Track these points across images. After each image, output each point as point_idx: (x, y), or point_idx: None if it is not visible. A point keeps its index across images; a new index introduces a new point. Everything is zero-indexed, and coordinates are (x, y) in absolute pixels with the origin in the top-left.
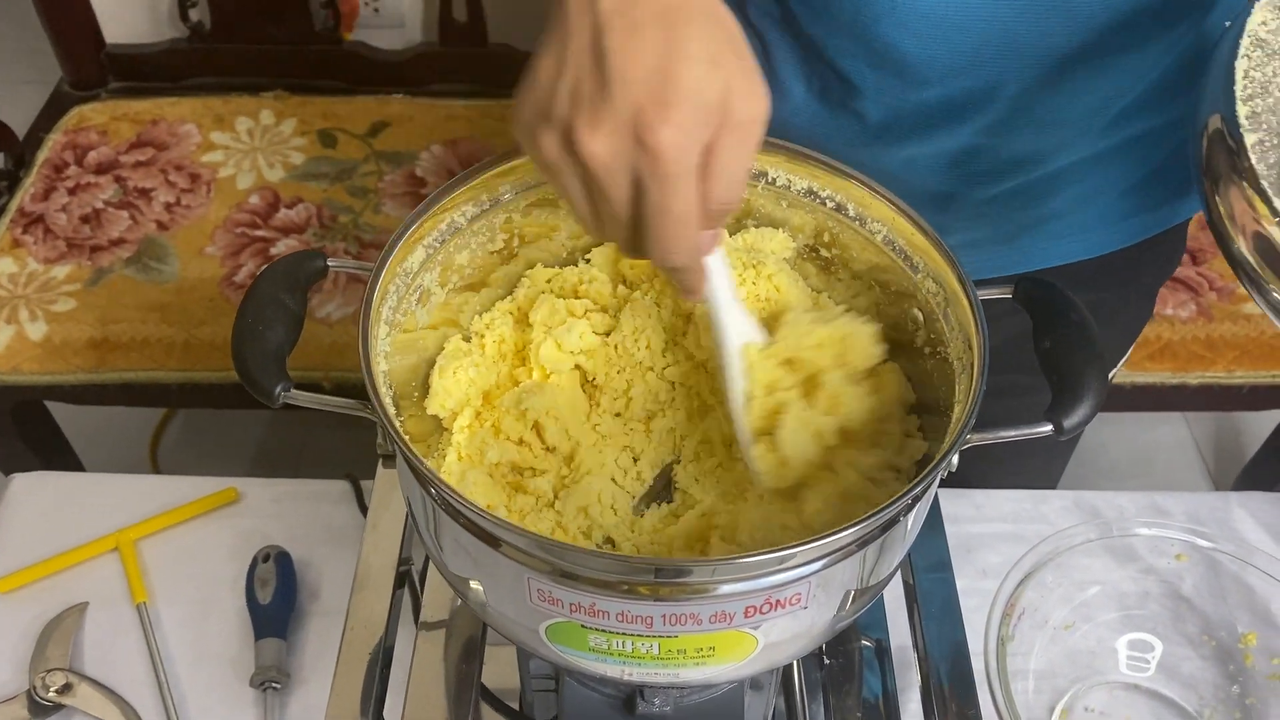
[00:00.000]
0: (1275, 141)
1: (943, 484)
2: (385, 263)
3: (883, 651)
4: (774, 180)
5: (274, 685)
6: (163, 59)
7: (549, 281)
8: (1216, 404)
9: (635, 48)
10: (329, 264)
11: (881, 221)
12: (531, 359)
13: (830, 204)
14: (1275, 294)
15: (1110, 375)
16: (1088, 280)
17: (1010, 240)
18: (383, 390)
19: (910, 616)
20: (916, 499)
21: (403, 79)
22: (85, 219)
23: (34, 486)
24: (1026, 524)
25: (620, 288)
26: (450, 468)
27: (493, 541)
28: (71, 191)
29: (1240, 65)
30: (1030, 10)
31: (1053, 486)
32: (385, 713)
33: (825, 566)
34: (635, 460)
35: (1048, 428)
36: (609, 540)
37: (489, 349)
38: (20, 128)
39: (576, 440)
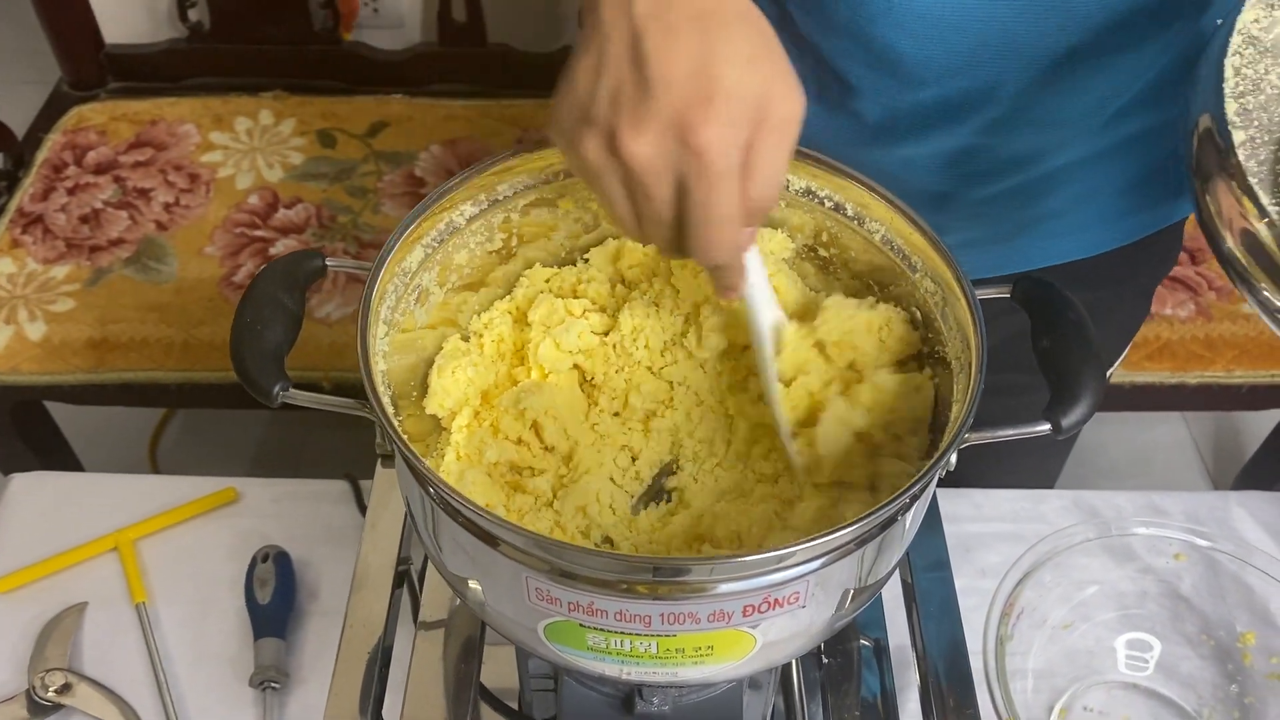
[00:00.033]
0: (1266, 138)
1: (940, 483)
2: (384, 262)
3: (881, 651)
4: None
5: (273, 685)
6: (162, 59)
7: (547, 281)
8: (1215, 403)
9: (675, 50)
10: (327, 264)
11: (880, 221)
12: (530, 358)
13: (829, 204)
14: (1265, 293)
15: (1107, 374)
16: (1085, 279)
17: (1007, 240)
18: (381, 390)
19: (909, 616)
20: (914, 498)
21: (402, 79)
22: (84, 219)
23: (33, 486)
24: (1025, 523)
25: (619, 287)
26: (449, 467)
27: (491, 541)
28: (71, 192)
29: (1231, 63)
30: (1027, 10)
31: (1050, 485)
32: (384, 712)
33: (823, 565)
34: (633, 460)
35: (1046, 427)
36: (607, 539)
37: (487, 348)
38: (19, 128)
39: (575, 440)
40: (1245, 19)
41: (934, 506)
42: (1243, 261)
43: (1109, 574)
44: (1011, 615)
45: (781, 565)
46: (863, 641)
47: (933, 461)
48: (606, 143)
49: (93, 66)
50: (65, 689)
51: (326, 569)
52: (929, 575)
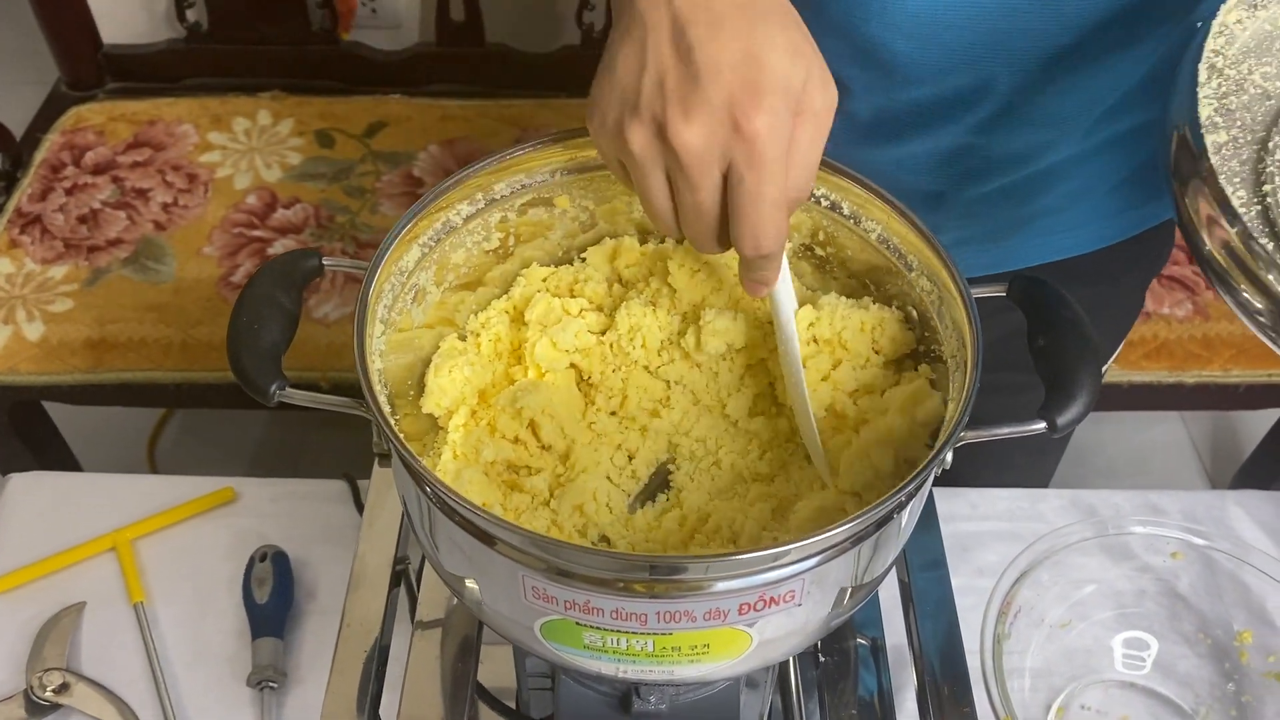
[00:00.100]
0: (1249, 138)
1: (936, 482)
2: (380, 261)
3: (878, 650)
4: None
5: (271, 684)
6: (160, 59)
7: (545, 280)
8: (1213, 403)
9: (722, 39)
10: (324, 263)
11: (876, 220)
12: (527, 358)
13: (825, 203)
14: (1245, 294)
15: (1102, 371)
16: (1078, 276)
17: (1001, 238)
18: (378, 389)
19: (906, 615)
20: (910, 495)
21: (400, 79)
22: (83, 219)
23: (31, 486)
24: (1022, 522)
25: (616, 287)
26: (446, 466)
27: (488, 539)
28: (69, 192)
29: (1211, 63)
30: (1019, 9)
31: (1045, 484)
32: (381, 711)
33: (819, 563)
34: (630, 458)
35: (1041, 425)
36: (604, 538)
37: (484, 348)
38: (18, 128)
39: (572, 438)
40: (1228, 19)
41: (931, 505)
42: (1221, 263)
43: (1106, 573)
44: (1009, 614)
45: (777, 563)
46: (860, 640)
47: (928, 459)
48: (655, 131)
49: (91, 67)
50: (63, 689)
51: (324, 568)
52: (926, 574)
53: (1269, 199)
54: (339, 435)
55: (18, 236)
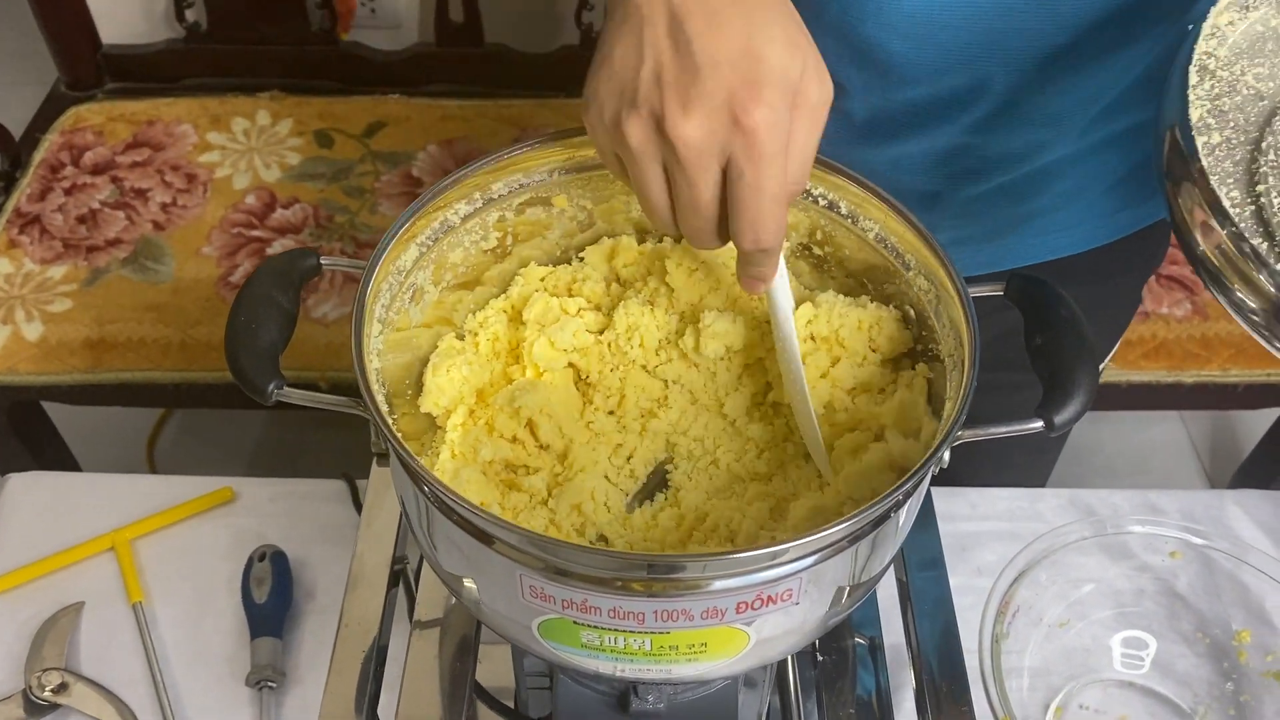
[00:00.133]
0: (1242, 139)
1: (934, 482)
2: (378, 261)
3: (876, 649)
4: None
5: (269, 684)
6: (159, 59)
7: (542, 280)
8: (1212, 402)
9: (720, 32)
10: (322, 262)
11: (874, 220)
12: (525, 357)
13: (823, 202)
14: (1238, 294)
15: (1099, 370)
16: (1075, 275)
17: (998, 237)
18: (376, 388)
19: (904, 614)
20: (908, 495)
21: (399, 79)
22: (81, 219)
23: (30, 486)
24: (1021, 522)
25: (614, 286)
26: (444, 465)
27: (486, 539)
28: (68, 192)
29: (1202, 65)
30: (1015, 9)
31: (1043, 483)
32: (380, 711)
33: (817, 562)
34: (628, 458)
35: (1038, 424)
36: (602, 537)
37: (482, 347)
38: (16, 128)
39: (570, 438)
40: (1219, 20)
41: (929, 505)
42: (1214, 263)
43: (1105, 572)
44: (1007, 613)
45: (775, 562)
46: (858, 640)
47: (926, 458)
48: (653, 125)
49: (90, 67)
50: (62, 688)
51: (323, 568)
52: (924, 574)
53: (1262, 199)
54: (337, 435)
55: (17, 236)
